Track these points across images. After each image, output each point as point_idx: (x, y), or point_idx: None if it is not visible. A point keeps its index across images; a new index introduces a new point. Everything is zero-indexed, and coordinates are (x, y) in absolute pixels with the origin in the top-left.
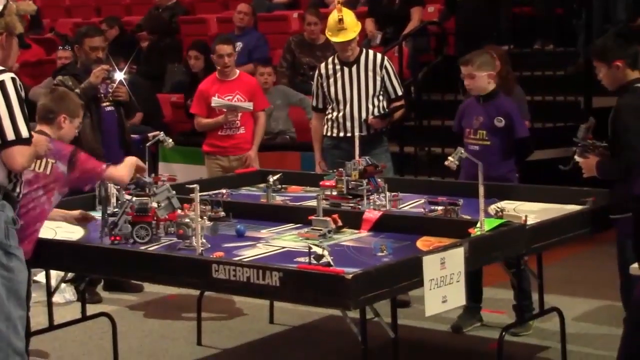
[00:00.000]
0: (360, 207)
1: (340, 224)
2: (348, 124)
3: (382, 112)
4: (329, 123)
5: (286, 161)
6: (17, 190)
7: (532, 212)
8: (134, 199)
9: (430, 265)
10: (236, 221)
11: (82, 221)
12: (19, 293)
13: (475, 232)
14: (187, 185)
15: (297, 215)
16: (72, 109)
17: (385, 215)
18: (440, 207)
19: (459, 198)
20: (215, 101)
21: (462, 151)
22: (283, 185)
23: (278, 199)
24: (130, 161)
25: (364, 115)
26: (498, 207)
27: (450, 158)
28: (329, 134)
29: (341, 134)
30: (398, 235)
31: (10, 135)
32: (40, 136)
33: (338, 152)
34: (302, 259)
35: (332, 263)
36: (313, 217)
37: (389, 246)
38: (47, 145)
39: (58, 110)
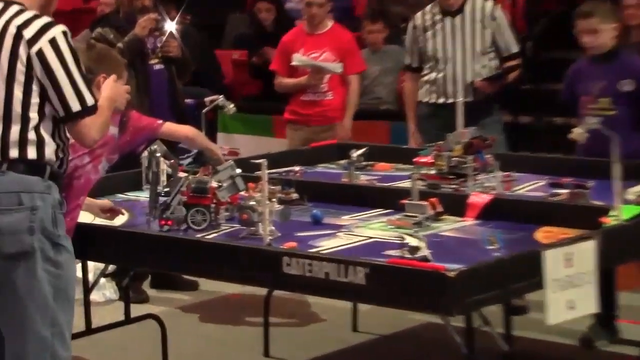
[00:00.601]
0: (464, 189)
1: (439, 209)
2: (449, 87)
3: (492, 73)
4: (426, 86)
5: (372, 132)
6: (64, 167)
7: None
8: (190, 176)
9: (553, 263)
10: (312, 205)
11: (111, 215)
12: (68, 293)
13: (609, 221)
14: (252, 161)
15: (386, 199)
16: (114, 68)
17: (496, 199)
18: (564, 191)
19: (588, 179)
20: (297, 58)
21: (594, 120)
22: (369, 162)
23: (363, 179)
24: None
25: (469, 76)
26: (637, 191)
27: (577, 129)
28: (425, 99)
29: (441, 100)
30: (512, 224)
31: (75, 105)
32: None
33: (437, 122)
34: (392, 252)
35: (430, 257)
36: (406, 201)
37: (499, 238)
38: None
39: (97, 70)
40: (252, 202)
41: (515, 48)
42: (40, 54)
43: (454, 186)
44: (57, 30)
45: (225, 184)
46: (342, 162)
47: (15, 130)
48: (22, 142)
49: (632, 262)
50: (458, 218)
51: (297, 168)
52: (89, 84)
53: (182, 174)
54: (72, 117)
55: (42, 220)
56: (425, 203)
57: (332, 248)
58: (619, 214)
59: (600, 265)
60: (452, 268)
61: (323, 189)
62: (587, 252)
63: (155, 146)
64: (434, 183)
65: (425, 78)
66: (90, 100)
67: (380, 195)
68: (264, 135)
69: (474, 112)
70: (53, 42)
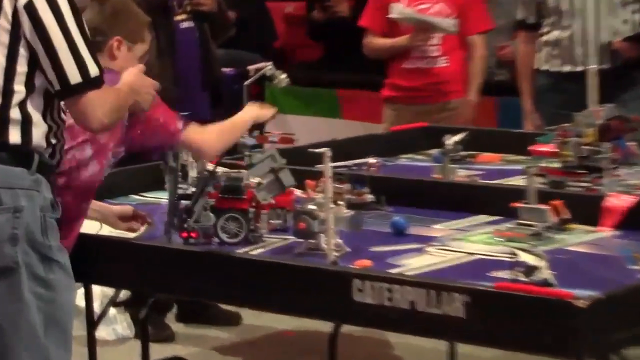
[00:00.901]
0: (599, 188)
1: (565, 216)
2: (578, 50)
3: (636, 30)
4: (546, 49)
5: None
6: (57, 156)
7: None
8: (221, 171)
9: None
10: (392, 210)
11: (133, 225)
12: (63, 323)
13: None
14: (310, 150)
15: (493, 202)
16: (133, 28)
17: None
18: None
19: None
20: (397, 10)
21: None
22: (469, 152)
23: (461, 174)
24: (234, 121)
25: (605, 36)
26: None
27: None
28: (545, 67)
29: (566, 68)
30: None
31: (74, 75)
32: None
33: (561, 98)
34: (501, 274)
35: (552, 280)
36: (520, 205)
37: None
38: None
39: (109, 31)
40: (311, 206)
41: None
42: (29, 6)
43: (584, 184)
44: None
45: (265, 181)
46: (434, 151)
47: None
48: (2, 122)
49: None
50: (591, 227)
51: (372, 160)
52: (93, 48)
53: (210, 167)
54: (70, 90)
55: (28, 225)
56: (545, 207)
57: (419, 268)
58: None
59: None
60: (582, 295)
61: (407, 188)
62: None
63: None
64: (558, 180)
65: (545, 38)
66: (94, 70)
67: (485, 196)
68: (327, 115)
69: (612, 84)
70: None
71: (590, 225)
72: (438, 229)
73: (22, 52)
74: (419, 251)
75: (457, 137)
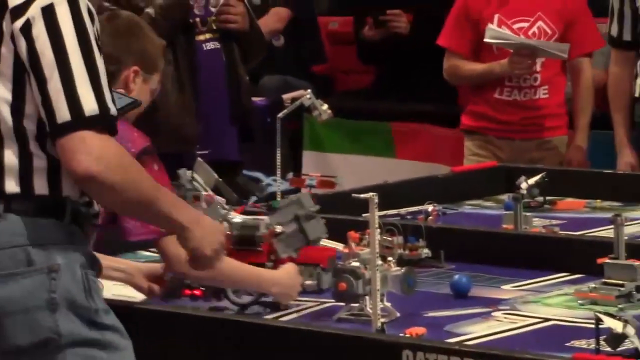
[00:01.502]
0: None
1: None
2: None
3: None
4: None
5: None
6: (94, 205)
7: None
8: (236, 217)
9: None
10: (453, 267)
11: (152, 286)
12: None
13: None
14: (355, 196)
15: (573, 257)
16: (149, 55)
17: None
18: None
19: None
20: (495, 33)
21: None
22: (547, 197)
23: (537, 224)
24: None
25: None
26: None
27: None
28: None
29: None
30: None
31: (62, 113)
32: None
33: None
34: (582, 343)
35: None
36: (607, 261)
37: None
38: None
39: (125, 57)
40: (354, 263)
41: None
42: (26, 29)
43: None
44: None
45: (288, 230)
46: (504, 196)
47: (8, 151)
48: (22, 170)
49: None
50: None
51: (430, 207)
52: (98, 80)
53: (225, 211)
54: (57, 131)
55: (67, 287)
56: (637, 264)
57: (485, 337)
58: None
59: None
60: None
61: (471, 241)
62: None
63: (191, 171)
64: None
65: None
66: (90, 107)
67: (565, 250)
68: (378, 154)
69: None
70: (47, 11)
71: None
72: (507, 290)
73: (31, 85)
74: (484, 316)
75: (533, 180)
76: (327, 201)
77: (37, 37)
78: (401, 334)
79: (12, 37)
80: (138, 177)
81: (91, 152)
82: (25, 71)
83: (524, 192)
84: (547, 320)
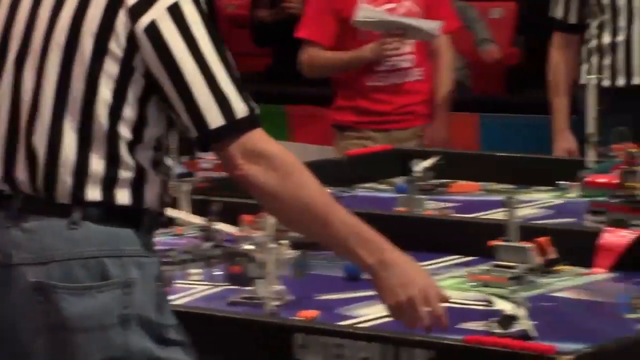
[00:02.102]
0: None
1: (552, 255)
2: (636, 58)
3: None
4: (594, 58)
5: (455, 130)
6: (164, 216)
7: None
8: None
9: None
10: None
11: None
12: None
13: None
14: None
15: (466, 239)
16: None
17: None
18: None
19: None
20: (368, 13)
21: None
22: (441, 180)
23: (430, 207)
24: None
25: None
26: None
27: None
28: (594, 81)
29: (621, 81)
30: None
31: (214, 118)
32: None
33: (615, 118)
34: (473, 325)
35: (533, 332)
36: (498, 243)
37: None
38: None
39: None
40: (247, 246)
41: None
42: (152, 30)
43: None
44: None
45: None
46: (398, 179)
47: (96, 156)
48: (107, 176)
49: None
50: (582, 269)
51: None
52: (237, 77)
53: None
54: (211, 136)
55: (142, 302)
56: (528, 246)
57: (375, 319)
58: None
59: None
60: (567, 350)
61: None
62: None
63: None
64: (619, 218)
65: (592, 45)
66: (240, 108)
67: (457, 233)
68: (273, 137)
69: None
70: (174, 11)
71: (582, 266)
72: None
73: (135, 88)
74: (376, 299)
75: (427, 163)
76: (221, 184)
77: (169, 40)
78: (294, 317)
79: (130, 37)
80: (307, 183)
81: (252, 156)
82: (134, 72)
83: (418, 174)
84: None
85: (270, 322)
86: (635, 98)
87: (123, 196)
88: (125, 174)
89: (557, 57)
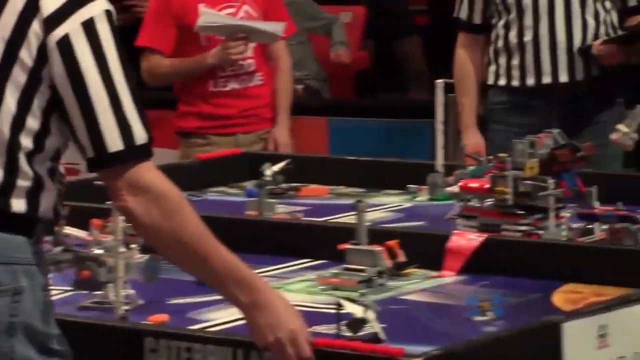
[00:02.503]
0: (541, 232)
1: (401, 258)
2: (545, 58)
3: (611, 33)
4: (502, 59)
5: (304, 134)
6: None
7: None
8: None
9: (577, 340)
10: None
11: None
12: None
13: None
14: (97, 183)
15: (316, 243)
16: None
17: (492, 241)
18: (601, 225)
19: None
20: (206, 16)
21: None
22: (292, 184)
23: (281, 211)
24: None
25: (578, 38)
26: None
27: (622, 127)
28: (502, 81)
29: (529, 81)
30: (518, 281)
31: (113, 140)
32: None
33: (523, 119)
34: (324, 328)
35: (382, 335)
36: (348, 246)
37: (497, 302)
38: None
39: None
40: (97, 251)
41: None
42: (65, 44)
43: (524, 228)
44: (98, 7)
45: None
46: (249, 183)
47: None
48: (6, 184)
49: None
50: (432, 272)
51: None
52: (140, 102)
53: None
54: (106, 159)
55: (28, 311)
56: (378, 249)
57: (226, 323)
58: None
59: None
60: (415, 352)
61: (215, 228)
62: (633, 323)
63: None
64: (491, 222)
65: (498, 45)
66: (141, 134)
67: (307, 236)
68: None
69: (587, 101)
70: (88, 27)
71: (431, 269)
72: None
73: (40, 97)
74: (227, 303)
75: (278, 166)
76: (71, 188)
77: (79, 56)
78: (144, 321)
79: (42, 48)
80: (190, 223)
81: (137, 187)
82: (41, 83)
83: (268, 178)
84: None
85: (120, 327)
86: (545, 97)
87: (19, 204)
88: (23, 183)
89: (463, 57)
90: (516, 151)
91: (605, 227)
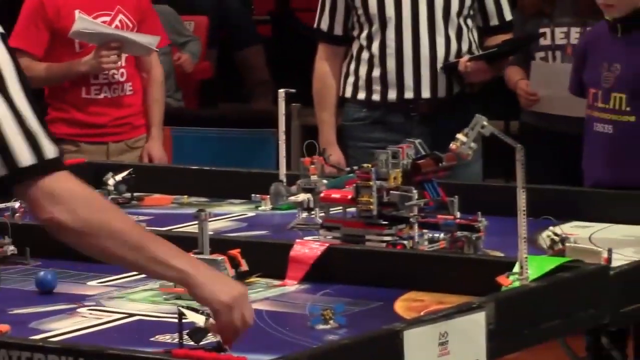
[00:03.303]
0: (404, 242)
1: (244, 267)
2: (408, 72)
3: (479, 50)
4: (363, 71)
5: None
6: None
7: (624, 241)
8: None
9: (418, 347)
10: (39, 263)
11: None
12: None
13: (509, 282)
14: None
15: None
16: None
17: (333, 250)
18: (442, 234)
19: (481, 216)
20: (85, 25)
21: (484, 122)
22: (136, 194)
23: None
24: None
25: (441, 54)
26: (554, 234)
27: (461, 137)
28: (361, 95)
29: (390, 95)
30: (360, 289)
31: (23, 155)
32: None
33: (382, 134)
34: (166, 337)
35: (224, 346)
36: (192, 255)
37: (338, 311)
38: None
39: None
40: None
41: (509, 15)
42: None
43: (387, 238)
44: None
45: None
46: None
47: None
48: None
49: (544, 345)
50: (274, 281)
51: (17, 204)
52: (42, 115)
53: None
54: (18, 174)
55: None
56: (220, 258)
57: (70, 333)
58: (525, 271)
59: (493, 351)
60: None
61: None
62: (473, 330)
63: None
64: (354, 233)
65: (362, 56)
66: (49, 148)
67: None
68: None
69: (450, 118)
70: None
71: (274, 278)
72: (93, 286)
73: None
74: (69, 313)
75: (120, 176)
76: None
77: None
78: None
79: None
80: (114, 215)
81: (57, 196)
82: None
83: (111, 188)
84: (131, 315)
85: None
86: (405, 113)
87: None
88: None
89: (324, 70)
90: (379, 161)
91: (445, 235)
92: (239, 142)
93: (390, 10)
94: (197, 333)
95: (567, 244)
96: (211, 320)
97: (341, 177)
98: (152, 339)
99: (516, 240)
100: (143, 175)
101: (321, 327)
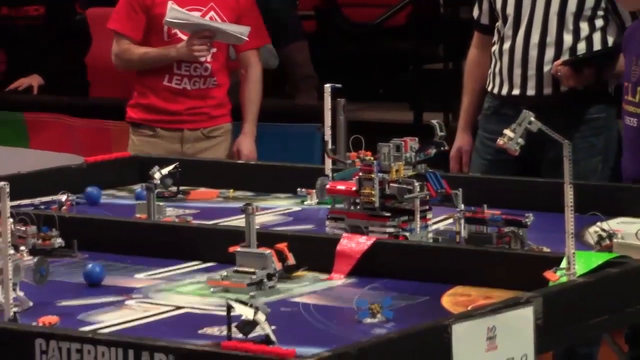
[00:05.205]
0: (407, 234)
1: (291, 261)
2: (517, 69)
3: (585, 52)
4: (492, 64)
5: None
6: None
7: None
8: None
9: (466, 342)
10: (86, 256)
11: None
12: None
13: (557, 277)
14: None
15: (206, 245)
16: None
17: (381, 245)
18: (488, 229)
19: (528, 213)
20: (178, 14)
21: (531, 118)
22: (182, 188)
23: (170, 214)
24: None
25: (550, 54)
26: (602, 230)
27: (508, 132)
28: (490, 86)
29: (504, 90)
30: (408, 284)
31: None
32: None
33: (494, 127)
34: (214, 330)
35: (273, 337)
36: (237, 249)
37: (386, 305)
38: None
39: None
40: None
41: None
42: None
43: (390, 230)
44: None
45: None
46: (138, 186)
47: None
48: None
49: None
50: (322, 275)
51: (64, 197)
52: None
53: None
54: None
55: None
56: (267, 251)
57: (118, 325)
58: (572, 266)
59: (541, 346)
60: (307, 354)
61: (104, 231)
62: (521, 325)
63: None
64: (358, 224)
65: (493, 49)
66: None
67: (198, 239)
68: (10, 143)
69: (558, 115)
70: None
71: (321, 272)
72: (140, 279)
73: None
74: (117, 305)
75: (166, 170)
76: None
77: None
78: (34, 323)
79: None
80: None
81: None
82: None
83: (157, 182)
84: (179, 308)
85: (9, 329)
86: (513, 108)
87: None
88: None
89: (472, 57)
90: (382, 154)
91: (491, 230)
92: (284, 136)
93: (510, 8)
94: (245, 326)
95: (614, 240)
96: (260, 314)
97: (350, 170)
98: (200, 331)
99: (558, 236)
100: (189, 169)
101: (369, 320)
